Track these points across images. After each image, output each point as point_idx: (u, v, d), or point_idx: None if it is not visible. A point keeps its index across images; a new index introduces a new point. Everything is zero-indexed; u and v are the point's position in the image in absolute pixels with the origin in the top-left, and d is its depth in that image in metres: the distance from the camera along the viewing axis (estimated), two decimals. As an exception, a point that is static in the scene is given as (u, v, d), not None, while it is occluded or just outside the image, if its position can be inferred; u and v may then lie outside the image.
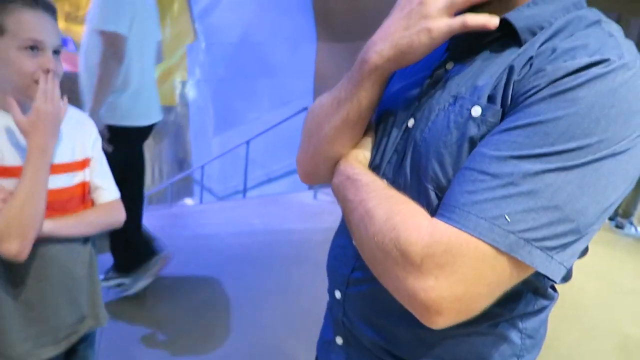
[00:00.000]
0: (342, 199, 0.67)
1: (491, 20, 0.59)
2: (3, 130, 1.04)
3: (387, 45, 0.62)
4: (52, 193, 1.06)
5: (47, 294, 1.11)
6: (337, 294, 0.76)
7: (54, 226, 1.06)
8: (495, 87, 0.58)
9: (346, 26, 5.64)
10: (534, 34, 0.60)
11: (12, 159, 1.04)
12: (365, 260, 0.60)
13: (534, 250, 0.50)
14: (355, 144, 0.73)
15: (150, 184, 10.20)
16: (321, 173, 0.77)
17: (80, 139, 1.17)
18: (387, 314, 0.67)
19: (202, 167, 6.72)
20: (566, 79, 0.51)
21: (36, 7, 0.99)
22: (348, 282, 0.74)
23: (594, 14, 0.60)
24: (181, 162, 9.27)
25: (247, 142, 5.58)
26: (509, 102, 0.56)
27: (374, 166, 0.71)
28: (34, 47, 0.99)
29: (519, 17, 0.61)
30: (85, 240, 1.19)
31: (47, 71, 1.00)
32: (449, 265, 0.50)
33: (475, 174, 0.53)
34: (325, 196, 4.62)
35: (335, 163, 0.73)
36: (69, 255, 1.15)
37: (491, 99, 0.58)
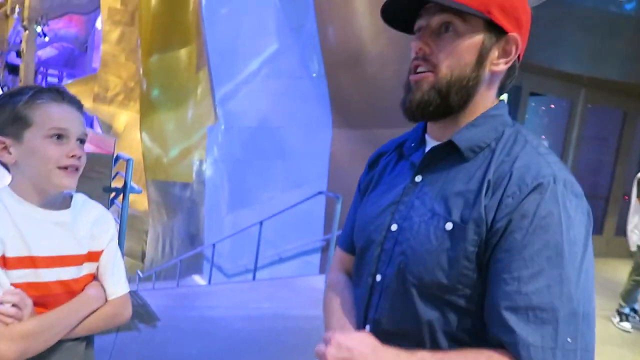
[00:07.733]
0: None
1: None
2: (33, 221, 1.05)
3: None
4: (58, 284, 1.06)
5: None
6: None
7: (57, 327, 1.03)
8: (463, 206, 0.75)
9: (361, 114, 5.87)
10: (474, 152, 0.79)
11: (39, 250, 1.04)
12: None
13: None
14: None
15: (161, 258, 10.16)
16: None
17: (96, 231, 1.16)
18: None
19: (214, 245, 6.70)
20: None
21: (61, 101, 1.07)
22: None
23: (521, 132, 0.79)
24: (193, 238, 9.27)
25: (261, 223, 5.59)
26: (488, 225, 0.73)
27: (363, 260, 0.89)
28: (60, 136, 1.04)
29: (461, 139, 0.80)
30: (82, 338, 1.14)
31: (72, 157, 1.05)
32: None
33: None
34: (336, 282, 4.53)
35: None
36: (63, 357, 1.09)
37: (461, 217, 0.75)
